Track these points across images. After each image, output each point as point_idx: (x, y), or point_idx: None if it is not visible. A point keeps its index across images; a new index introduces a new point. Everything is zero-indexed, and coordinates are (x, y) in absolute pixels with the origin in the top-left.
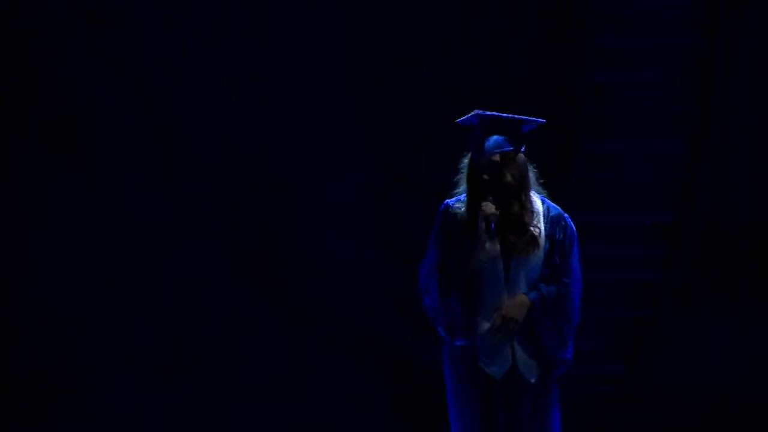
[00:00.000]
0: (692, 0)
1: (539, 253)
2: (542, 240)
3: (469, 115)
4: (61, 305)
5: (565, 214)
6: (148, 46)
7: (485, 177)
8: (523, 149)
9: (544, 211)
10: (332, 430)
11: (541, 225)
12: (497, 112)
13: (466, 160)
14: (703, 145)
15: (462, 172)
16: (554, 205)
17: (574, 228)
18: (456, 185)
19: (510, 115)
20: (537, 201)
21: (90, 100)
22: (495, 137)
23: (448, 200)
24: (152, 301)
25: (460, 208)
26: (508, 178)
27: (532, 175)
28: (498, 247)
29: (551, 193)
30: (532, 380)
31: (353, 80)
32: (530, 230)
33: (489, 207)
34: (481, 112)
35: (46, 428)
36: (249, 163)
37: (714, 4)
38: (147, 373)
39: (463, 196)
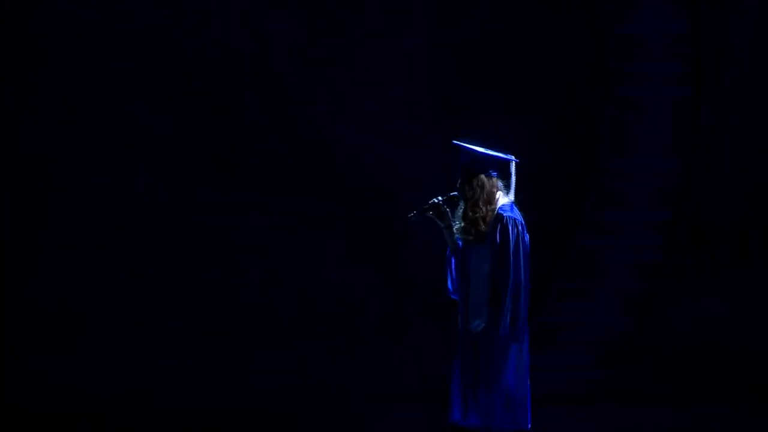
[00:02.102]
0: (682, 61)
1: (485, 248)
2: (487, 236)
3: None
4: (227, 277)
5: (507, 216)
6: (290, 83)
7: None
8: (492, 173)
9: (497, 215)
10: (420, 370)
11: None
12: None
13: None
14: (692, 162)
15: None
16: (509, 209)
17: (511, 228)
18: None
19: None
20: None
21: (246, 124)
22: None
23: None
24: (292, 275)
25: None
26: (466, 190)
27: (489, 189)
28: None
29: (578, 198)
30: (474, 331)
31: (439, 109)
32: (477, 228)
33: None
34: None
35: (239, 372)
36: (366, 174)
37: (700, 67)
38: (294, 329)
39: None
